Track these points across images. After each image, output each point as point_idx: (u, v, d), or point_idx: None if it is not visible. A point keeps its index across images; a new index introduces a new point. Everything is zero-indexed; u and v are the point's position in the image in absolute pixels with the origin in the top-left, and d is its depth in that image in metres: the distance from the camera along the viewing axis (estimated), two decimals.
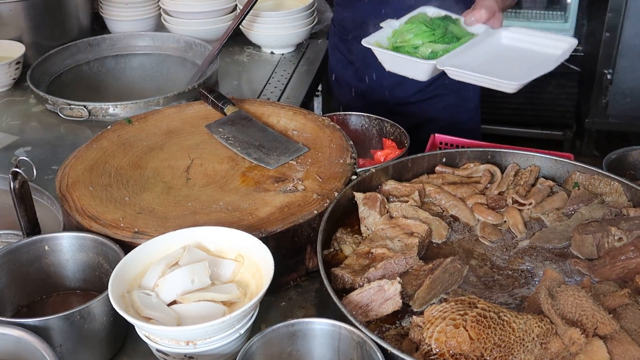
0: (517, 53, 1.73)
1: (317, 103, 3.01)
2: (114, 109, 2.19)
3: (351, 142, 1.76)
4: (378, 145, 2.03)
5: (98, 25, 2.96)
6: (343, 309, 1.21)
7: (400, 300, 1.29)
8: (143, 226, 1.46)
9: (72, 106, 2.20)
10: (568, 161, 1.68)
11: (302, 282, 1.52)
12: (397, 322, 1.29)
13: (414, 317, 1.23)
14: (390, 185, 1.63)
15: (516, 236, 1.53)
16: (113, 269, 1.27)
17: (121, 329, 1.34)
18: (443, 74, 1.67)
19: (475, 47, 1.72)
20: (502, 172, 1.68)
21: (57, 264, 1.43)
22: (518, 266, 1.44)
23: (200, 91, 2.00)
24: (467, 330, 1.15)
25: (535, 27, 4.48)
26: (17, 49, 2.47)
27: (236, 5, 2.82)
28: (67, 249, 1.43)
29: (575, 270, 1.42)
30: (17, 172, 1.38)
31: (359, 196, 1.55)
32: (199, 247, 1.37)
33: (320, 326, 1.21)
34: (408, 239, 1.45)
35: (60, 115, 2.20)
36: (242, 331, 1.24)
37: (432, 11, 1.85)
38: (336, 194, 1.55)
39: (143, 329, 1.22)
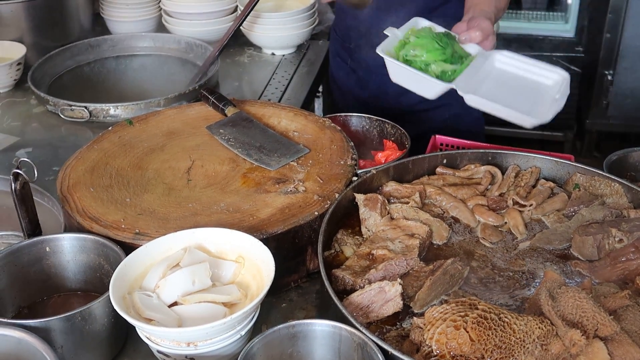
0: (516, 80, 1.74)
1: (318, 104, 3.01)
2: (115, 110, 2.19)
3: (352, 144, 1.76)
4: (379, 147, 2.03)
5: (99, 26, 2.95)
6: (344, 311, 1.21)
7: (401, 302, 1.29)
8: (144, 227, 1.46)
9: (73, 107, 2.20)
10: (568, 162, 1.68)
11: (302, 283, 1.52)
12: (398, 323, 1.29)
13: (415, 318, 1.23)
14: (391, 187, 1.63)
15: (517, 237, 1.53)
16: (114, 270, 1.27)
17: (122, 330, 1.34)
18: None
19: (479, 70, 1.72)
20: (503, 174, 1.68)
21: (58, 265, 1.43)
22: (519, 267, 1.44)
23: (201, 92, 2.00)
24: (467, 332, 1.15)
25: (536, 28, 4.50)
26: (18, 50, 2.47)
27: (237, 6, 2.83)
28: (68, 250, 1.43)
29: (575, 271, 1.42)
30: (18, 173, 1.38)
31: (359, 197, 1.55)
32: (200, 249, 1.37)
33: (321, 327, 1.21)
34: (409, 241, 1.45)
35: (61, 116, 2.20)
36: (242, 332, 1.24)
37: (424, 23, 1.84)
38: (337, 195, 1.55)
39: (144, 330, 1.22)
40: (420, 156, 1.71)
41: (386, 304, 1.29)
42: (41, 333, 1.18)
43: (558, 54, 4.43)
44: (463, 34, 1.77)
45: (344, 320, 1.20)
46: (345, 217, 1.57)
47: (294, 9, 2.71)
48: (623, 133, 4.37)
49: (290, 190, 1.58)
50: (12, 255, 1.38)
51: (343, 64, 2.53)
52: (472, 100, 1.61)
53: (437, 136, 1.93)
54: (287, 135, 1.82)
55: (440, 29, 1.82)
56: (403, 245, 1.44)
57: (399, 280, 1.32)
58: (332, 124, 1.85)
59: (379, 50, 1.69)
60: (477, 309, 1.19)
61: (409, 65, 1.68)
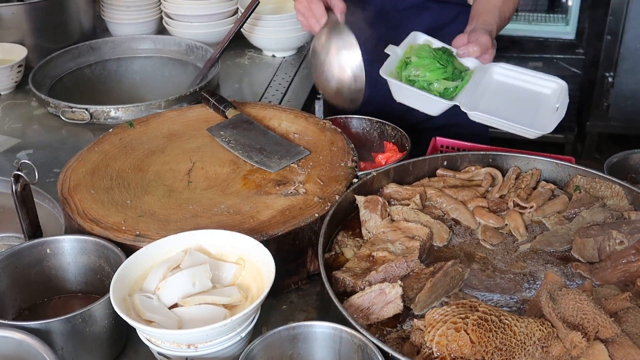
0: (515, 92, 1.78)
1: (318, 106, 3.00)
2: (116, 112, 2.20)
3: (352, 145, 1.76)
4: (379, 149, 2.03)
5: (100, 28, 2.96)
6: (344, 312, 1.21)
7: (402, 304, 1.29)
8: (144, 229, 1.46)
9: (73, 109, 2.20)
10: (569, 164, 1.68)
11: (303, 285, 1.52)
12: (398, 325, 1.29)
13: (415, 320, 1.23)
14: (391, 189, 1.63)
15: (517, 239, 1.53)
16: (114, 272, 1.27)
17: (122, 332, 1.34)
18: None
19: (479, 86, 1.76)
20: (504, 176, 1.68)
21: (58, 267, 1.43)
22: (519, 269, 1.44)
23: (201, 94, 2.00)
24: (468, 334, 1.15)
25: (537, 30, 4.50)
26: (19, 52, 2.47)
27: (237, 8, 2.83)
28: (68, 252, 1.43)
29: (576, 273, 1.42)
30: (18, 175, 1.38)
31: (360, 199, 1.55)
32: (200, 250, 1.37)
33: (321, 329, 1.21)
34: (409, 242, 1.45)
35: (62, 118, 2.21)
36: (243, 334, 1.24)
37: (422, 37, 1.89)
38: (337, 197, 1.55)
39: (144, 332, 1.22)
40: (420, 158, 1.71)
41: (386, 306, 1.29)
42: (42, 335, 1.18)
43: (558, 56, 4.43)
44: (461, 48, 1.80)
45: (344, 322, 1.20)
46: (346, 219, 1.57)
47: (294, 11, 2.71)
48: (624, 135, 4.37)
49: (291, 192, 1.58)
50: (12, 257, 1.38)
51: None
52: (476, 116, 1.66)
53: (437, 138, 1.93)
54: (287, 137, 1.82)
55: (438, 43, 1.87)
56: (403, 247, 1.44)
57: (399, 282, 1.32)
58: (333, 126, 1.85)
59: (382, 73, 1.74)
60: (477, 310, 1.19)
61: (413, 83, 1.74)
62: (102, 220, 1.49)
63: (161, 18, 2.91)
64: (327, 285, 1.27)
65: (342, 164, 1.68)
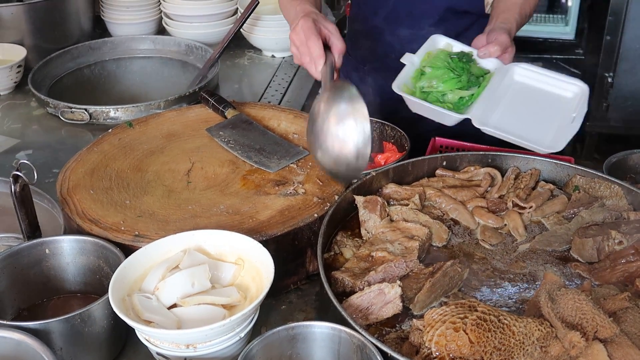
0: (535, 94, 1.75)
1: None
2: (115, 112, 2.20)
3: None
4: (378, 149, 2.02)
5: (99, 29, 2.96)
6: (343, 313, 1.21)
7: (401, 304, 1.29)
8: (143, 229, 1.46)
9: (73, 109, 2.20)
10: (568, 164, 1.68)
11: (302, 285, 1.52)
12: (397, 325, 1.29)
13: (414, 320, 1.23)
14: (390, 189, 1.63)
15: (516, 239, 1.53)
16: (113, 272, 1.27)
17: (121, 332, 1.34)
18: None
19: (496, 92, 1.73)
20: (503, 176, 1.68)
21: (57, 267, 1.43)
22: (518, 269, 1.43)
23: (201, 94, 2.00)
24: (467, 334, 1.15)
25: (536, 30, 4.50)
26: (18, 53, 2.47)
27: (237, 8, 2.83)
28: (67, 252, 1.43)
29: (575, 273, 1.42)
30: (18, 175, 1.38)
31: (359, 199, 1.55)
32: (200, 251, 1.37)
33: (320, 329, 1.21)
34: (408, 243, 1.45)
35: (62, 118, 2.21)
36: (242, 334, 1.24)
37: (442, 41, 1.85)
38: (336, 197, 1.55)
39: (143, 332, 1.22)
40: (419, 158, 1.71)
41: (385, 306, 1.29)
42: (41, 335, 1.18)
43: (558, 56, 4.43)
44: (482, 49, 1.77)
45: (343, 322, 1.20)
46: (345, 219, 1.57)
47: None
48: (623, 135, 4.37)
49: (290, 193, 1.58)
50: (11, 257, 1.38)
51: None
52: (487, 131, 1.64)
53: (436, 138, 1.93)
54: (287, 137, 1.82)
55: (458, 46, 1.83)
56: (402, 247, 1.44)
57: (398, 282, 1.32)
58: None
59: (395, 88, 1.71)
60: (476, 310, 1.19)
61: (427, 95, 1.72)
62: (101, 221, 1.49)
63: (161, 18, 2.92)
64: (326, 285, 1.27)
65: None
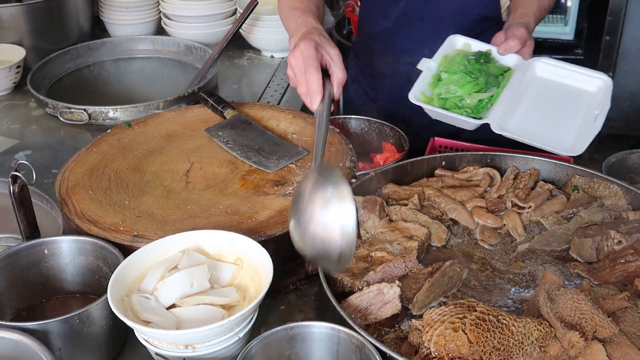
0: (558, 89, 1.72)
1: None
2: (114, 113, 2.20)
3: (351, 146, 1.76)
4: (378, 149, 2.03)
5: (98, 29, 2.96)
6: (342, 313, 1.21)
7: (400, 304, 1.29)
8: (142, 230, 1.46)
9: (72, 110, 2.20)
10: (567, 164, 1.68)
11: (301, 285, 1.52)
12: (396, 325, 1.29)
13: (413, 320, 1.23)
14: (389, 189, 1.63)
15: (515, 239, 1.53)
16: (112, 273, 1.27)
17: (120, 332, 1.34)
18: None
19: (517, 90, 1.70)
20: (502, 176, 1.68)
21: (56, 268, 1.43)
22: (517, 269, 1.43)
23: (200, 95, 2.00)
24: (466, 334, 1.15)
25: (536, 30, 4.49)
26: (17, 53, 2.47)
27: (236, 9, 2.83)
28: (66, 252, 1.43)
29: (574, 273, 1.42)
30: (16, 175, 1.38)
31: (358, 200, 1.55)
32: (198, 251, 1.37)
33: (319, 330, 1.21)
34: (407, 243, 1.45)
35: (60, 118, 2.21)
36: (241, 335, 1.24)
37: (460, 41, 1.82)
38: None
39: (142, 333, 1.22)
40: (419, 158, 1.71)
41: (384, 306, 1.29)
42: (39, 335, 1.18)
43: (557, 57, 4.40)
44: (501, 46, 1.74)
45: (342, 322, 1.20)
46: None
47: None
48: (622, 135, 4.37)
49: (289, 193, 1.58)
50: (10, 257, 1.38)
51: (361, 91, 2.35)
52: (507, 135, 1.62)
53: (436, 138, 1.93)
54: (286, 137, 1.82)
55: (476, 45, 1.80)
56: (401, 247, 1.44)
57: (397, 282, 1.32)
58: (331, 126, 1.85)
59: (412, 98, 1.67)
60: (475, 310, 1.19)
61: (445, 101, 1.69)
62: (100, 221, 1.49)
63: (160, 19, 2.92)
64: (325, 285, 1.27)
65: (341, 164, 1.68)
